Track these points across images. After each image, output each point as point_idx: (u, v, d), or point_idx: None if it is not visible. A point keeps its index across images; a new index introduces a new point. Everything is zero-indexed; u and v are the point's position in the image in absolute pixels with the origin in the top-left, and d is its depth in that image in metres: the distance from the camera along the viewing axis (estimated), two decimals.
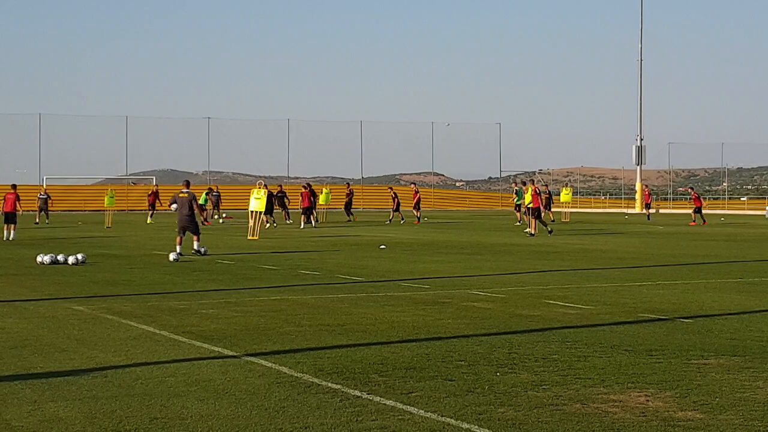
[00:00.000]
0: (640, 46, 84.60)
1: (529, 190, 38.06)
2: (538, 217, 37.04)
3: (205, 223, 34.58)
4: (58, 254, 22.21)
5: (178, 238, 24.48)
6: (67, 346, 10.42)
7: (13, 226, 33.06)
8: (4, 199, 34.03)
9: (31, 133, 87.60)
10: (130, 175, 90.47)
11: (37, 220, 49.00)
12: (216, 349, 10.24)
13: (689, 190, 54.87)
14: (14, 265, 21.76)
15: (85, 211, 64.84)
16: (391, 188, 58.16)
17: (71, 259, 21.69)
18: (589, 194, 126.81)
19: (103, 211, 48.23)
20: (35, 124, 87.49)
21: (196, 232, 24.84)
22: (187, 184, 25.86)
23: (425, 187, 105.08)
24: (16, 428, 6.92)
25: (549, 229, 37.00)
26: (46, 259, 21.84)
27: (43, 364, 9.36)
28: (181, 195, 25.05)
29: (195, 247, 24.64)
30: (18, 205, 33.44)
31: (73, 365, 9.31)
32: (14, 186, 34.91)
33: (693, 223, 49.27)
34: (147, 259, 23.31)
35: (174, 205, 25.08)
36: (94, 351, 10.13)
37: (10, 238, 32.27)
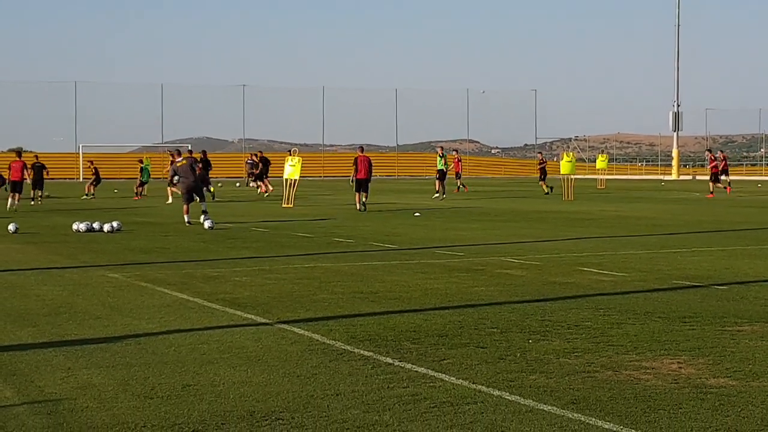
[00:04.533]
0: (677, 10, 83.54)
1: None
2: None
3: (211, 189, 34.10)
4: (93, 222, 22.36)
5: (185, 207, 24.45)
6: (101, 313, 10.50)
7: (18, 195, 31.96)
8: (10, 167, 32.81)
9: (67, 101, 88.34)
10: (165, 142, 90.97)
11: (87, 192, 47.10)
12: (249, 316, 10.28)
13: (707, 154, 47.21)
14: (50, 232, 21.94)
15: (121, 179, 65.27)
16: (456, 151, 53.26)
17: (106, 227, 21.84)
18: (626, 161, 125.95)
19: (135, 179, 48.44)
20: (71, 92, 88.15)
21: (203, 198, 24.56)
22: (178, 153, 25.94)
23: (461, 154, 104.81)
24: (50, 395, 6.98)
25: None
26: (82, 226, 22.00)
27: (77, 331, 9.45)
28: (179, 164, 24.87)
29: (203, 207, 23.98)
30: (25, 173, 32.83)
31: (107, 332, 9.39)
32: (19, 153, 34.32)
33: (711, 195, 42.35)
34: (181, 227, 23.41)
35: (176, 177, 24.82)
36: (127, 318, 10.20)
37: (14, 209, 30.89)
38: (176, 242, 19.44)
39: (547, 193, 44.69)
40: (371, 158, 32.43)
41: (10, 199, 31.95)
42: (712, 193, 42.86)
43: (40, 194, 36.91)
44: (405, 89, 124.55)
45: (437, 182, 40.22)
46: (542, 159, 48.58)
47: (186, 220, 24.09)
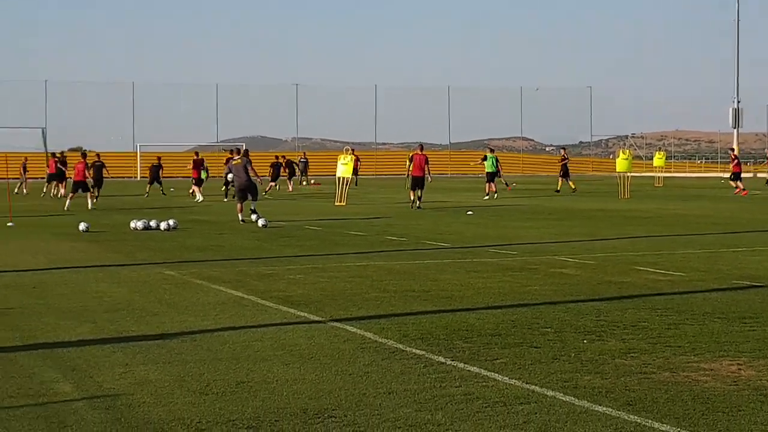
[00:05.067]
0: (737, 4, 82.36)
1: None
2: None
3: (262, 185, 33.99)
4: (150, 220, 22.60)
5: (238, 206, 24.62)
6: (158, 310, 10.61)
7: (88, 194, 32.53)
8: (74, 168, 33.70)
9: (126, 101, 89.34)
10: (220, 141, 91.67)
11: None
12: (302, 314, 10.33)
13: (729, 151, 46.52)
14: (109, 230, 22.21)
15: (177, 177, 65.86)
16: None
17: (163, 225, 22.06)
18: (684, 158, 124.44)
19: (187, 178, 48.90)
20: (128, 92, 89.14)
21: (255, 197, 24.59)
22: (238, 152, 26.01)
23: (514, 152, 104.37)
24: (108, 390, 7.07)
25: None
26: (139, 224, 22.25)
27: (135, 328, 9.56)
28: (234, 162, 25.03)
29: (252, 207, 24.15)
30: (87, 173, 33.38)
31: (164, 329, 9.48)
32: (84, 155, 34.99)
33: (740, 191, 42.28)
34: (236, 225, 23.58)
35: (230, 175, 25.06)
36: (183, 315, 10.30)
37: (89, 207, 31.45)
38: (231, 240, 19.58)
39: (558, 191, 43.92)
40: (426, 156, 32.40)
41: (69, 200, 32.42)
42: (737, 188, 42.97)
43: (96, 193, 37.45)
44: (458, 87, 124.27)
45: (486, 184, 39.64)
46: (564, 156, 47.35)
47: (240, 218, 24.27)
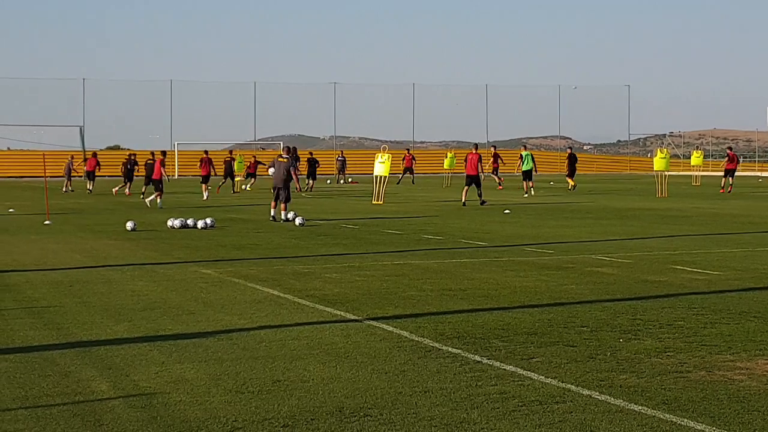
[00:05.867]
0: None
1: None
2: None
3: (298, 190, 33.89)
4: (187, 218, 22.74)
5: (272, 202, 24.78)
6: (194, 309, 10.68)
7: (158, 193, 32.61)
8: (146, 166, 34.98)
9: (163, 99, 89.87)
10: (258, 140, 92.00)
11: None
12: (338, 312, 10.36)
13: (728, 150, 47.46)
14: (146, 228, 22.36)
15: (215, 175, 66.16)
16: (494, 147, 52.75)
17: (200, 224, 22.18)
18: (722, 157, 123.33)
19: (234, 176, 49.07)
20: (167, 90, 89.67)
21: (287, 199, 24.60)
22: (288, 150, 25.96)
23: (552, 150, 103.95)
24: (144, 388, 7.13)
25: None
26: (176, 223, 22.38)
27: (171, 326, 9.63)
28: (280, 159, 25.10)
29: (282, 215, 24.25)
30: (164, 171, 33.77)
31: (200, 327, 9.55)
32: (164, 152, 35.29)
33: (725, 189, 42.85)
34: (273, 223, 23.67)
35: (271, 169, 25.11)
36: (220, 314, 10.37)
37: (158, 206, 31.71)
38: (267, 239, 19.66)
39: (571, 189, 43.80)
40: (479, 155, 33.24)
41: (150, 198, 32.78)
42: (728, 186, 43.33)
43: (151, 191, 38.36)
44: (496, 85, 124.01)
45: (524, 182, 40.29)
46: (571, 153, 47.18)
47: (271, 215, 24.43)
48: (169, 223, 22.59)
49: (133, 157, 43.86)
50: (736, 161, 46.03)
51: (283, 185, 24.52)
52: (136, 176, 43.10)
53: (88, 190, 45.60)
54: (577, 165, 46.53)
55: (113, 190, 43.34)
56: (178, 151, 79.63)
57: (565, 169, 46.46)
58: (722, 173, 45.49)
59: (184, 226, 22.28)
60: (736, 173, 46.72)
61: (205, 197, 37.82)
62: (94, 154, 49.48)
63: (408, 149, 58.60)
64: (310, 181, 46.49)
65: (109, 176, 62.15)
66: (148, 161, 37.56)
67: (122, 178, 43.61)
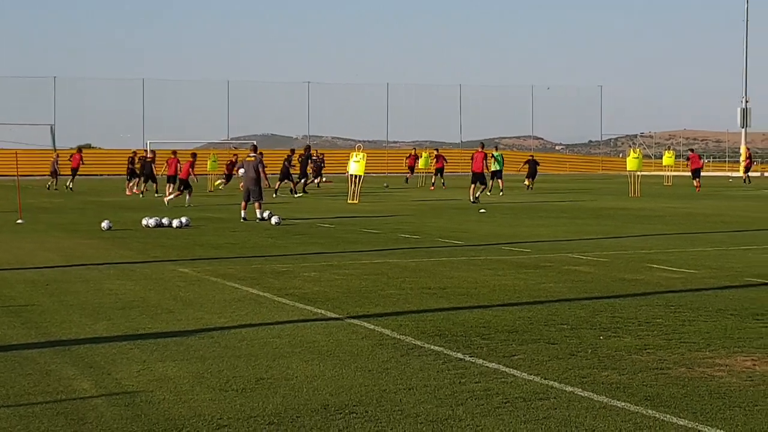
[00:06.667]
0: (746, 4, 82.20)
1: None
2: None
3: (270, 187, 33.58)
4: (162, 217, 22.65)
5: (243, 203, 24.71)
6: (173, 308, 10.65)
7: (188, 191, 32.87)
8: (168, 164, 36.06)
9: (135, 98, 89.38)
10: (231, 139, 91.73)
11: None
12: (319, 311, 10.37)
13: (689, 152, 50.55)
14: (121, 228, 22.24)
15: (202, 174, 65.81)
16: (437, 150, 53.74)
17: (175, 222, 22.10)
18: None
19: (206, 175, 48.97)
20: (139, 88, 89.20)
21: (259, 199, 24.53)
22: (254, 149, 25.83)
23: (524, 150, 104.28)
24: (127, 387, 7.11)
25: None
26: (151, 222, 22.29)
27: (151, 325, 9.60)
28: (248, 159, 25.03)
29: (257, 214, 24.20)
30: (191, 171, 33.63)
31: (180, 326, 9.53)
32: (194, 155, 35.47)
33: (698, 189, 44.71)
34: (249, 222, 23.62)
35: (241, 170, 25.07)
36: (199, 312, 10.34)
37: (185, 203, 32.03)
38: (244, 238, 19.62)
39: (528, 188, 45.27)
40: (485, 153, 34.77)
41: (170, 197, 33.01)
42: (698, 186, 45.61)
43: (145, 188, 40.03)
44: (469, 86, 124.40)
45: (491, 182, 40.36)
46: (532, 158, 48.72)
47: (242, 216, 24.37)
48: (144, 222, 22.50)
49: (134, 156, 44.06)
50: (699, 161, 48.10)
51: (253, 184, 24.48)
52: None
53: (69, 187, 45.59)
54: (537, 168, 48.55)
55: (134, 190, 42.88)
56: (150, 150, 79.14)
57: (525, 169, 47.56)
58: (690, 175, 47.50)
59: (159, 225, 22.19)
60: (703, 173, 48.46)
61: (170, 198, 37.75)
62: (79, 150, 49.63)
63: (414, 149, 58.07)
64: (316, 179, 45.95)
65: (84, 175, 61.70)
66: (146, 159, 38.36)
67: (128, 177, 43.79)
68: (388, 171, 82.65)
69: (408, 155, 56.56)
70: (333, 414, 6.33)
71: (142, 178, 40.86)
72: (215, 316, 10.08)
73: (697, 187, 45.53)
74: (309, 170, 43.31)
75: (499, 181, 41.02)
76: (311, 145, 53.14)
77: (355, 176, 34.75)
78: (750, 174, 58.42)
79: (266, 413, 6.37)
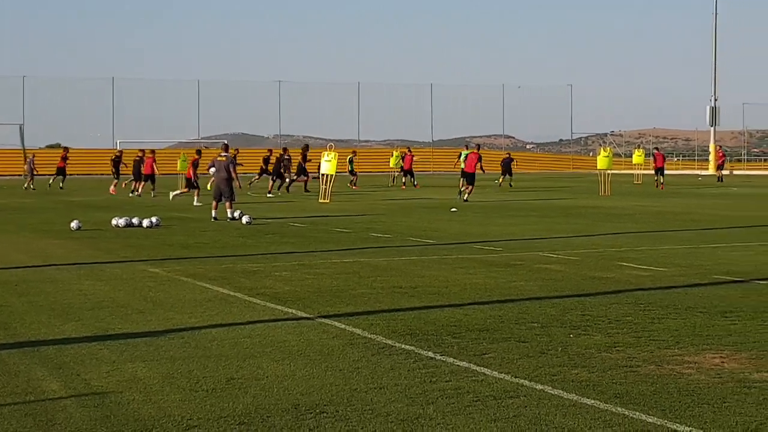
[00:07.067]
0: (714, 5, 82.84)
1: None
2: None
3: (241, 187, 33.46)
4: (132, 217, 22.52)
5: (214, 202, 24.62)
6: (143, 308, 10.60)
7: (143, 184, 37.08)
8: (145, 163, 38.88)
9: (105, 97, 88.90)
10: (202, 138, 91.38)
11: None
12: (290, 310, 10.34)
13: (653, 151, 52.23)
14: (90, 228, 22.10)
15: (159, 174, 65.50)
16: (408, 149, 54.40)
17: (145, 222, 21.99)
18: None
19: (176, 174, 48.75)
20: (108, 87, 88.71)
21: (230, 198, 24.42)
22: (226, 148, 25.73)
23: (496, 149, 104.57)
24: (96, 388, 7.06)
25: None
26: (121, 222, 22.16)
27: (120, 325, 9.54)
28: (219, 158, 24.95)
29: (228, 214, 24.11)
30: (154, 167, 36.28)
31: (150, 326, 9.48)
32: (152, 151, 38.46)
33: (662, 187, 46.02)
34: (220, 222, 23.54)
35: (212, 169, 24.98)
36: (170, 312, 10.30)
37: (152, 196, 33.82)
38: (215, 237, 19.56)
39: (500, 184, 46.37)
40: (479, 155, 34.95)
41: (175, 192, 35.52)
42: (662, 183, 46.88)
43: (138, 186, 40.33)
44: (440, 84, 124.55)
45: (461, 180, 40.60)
46: (507, 154, 49.93)
47: (213, 215, 24.28)
48: (114, 221, 22.36)
49: (141, 155, 43.79)
50: (662, 159, 49.19)
51: (224, 184, 24.40)
52: (123, 174, 43.56)
53: (60, 187, 46.54)
54: (512, 165, 49.96)
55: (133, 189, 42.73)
56: (120, 149, 78.67)
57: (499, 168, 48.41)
58: (654, 172, 48.53)
59: (129, 224, 22.07)
60: (673, 171, 49.71)
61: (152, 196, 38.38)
62: (66, 150, 50.53)
63: (409, 148, 57.70)
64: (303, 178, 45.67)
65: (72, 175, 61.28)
66: (135, 159, 40.02)
67: (115, 176, 43.89)
68: (360, 170, 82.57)
69: (402, 156, 55.64)
70: (304, 413, 6.32)
71: (133, 178, 41.33)
72: (185, 316, 10.03)
73: (660, 185, 46.30)
74: (283, 171, 43.10)
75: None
76: (283, 143, 52.93)
77: (327, 175, 34.71)
78: (722, 172, 59.56)
79: (236, 413, 6.35)
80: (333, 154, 35.20)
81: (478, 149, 35.74)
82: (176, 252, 16.65)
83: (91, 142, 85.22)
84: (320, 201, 33.80)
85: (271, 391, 6.89)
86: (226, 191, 24.38)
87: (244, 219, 23.14)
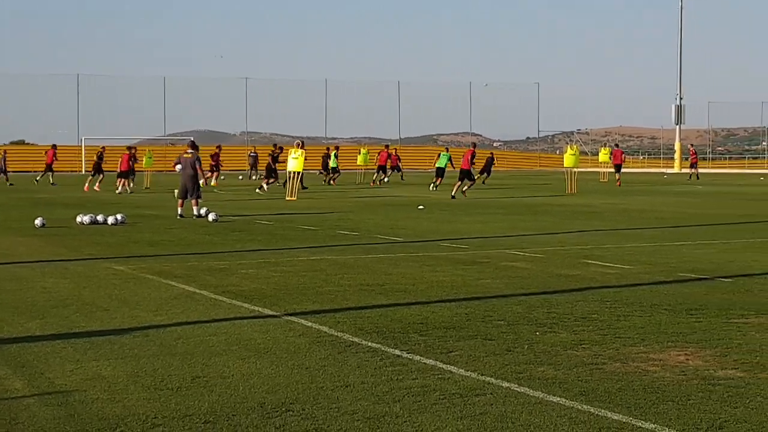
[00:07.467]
0: (680, 4, 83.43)
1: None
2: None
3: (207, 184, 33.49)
4: (97, 214, 22.35)
5: (179, 200, 24.48)
6: (108, 306, 10.52)
7: (124, 181, 38.99)
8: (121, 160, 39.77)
9: (70, 94, 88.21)
10: (168, 135, 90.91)
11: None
12: (256, 308, 10.30)
13: (613, 148, 53.33)
14: (54, 225, 21.92)
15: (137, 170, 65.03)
16: (387, 146, 54.42)
17: (110, 219, 21.83)
18: (628, 154, 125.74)
19: (142, 171, 48.43)
20: (73, 84, 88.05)
21: (196, 195, 24.31)
22: (192, 145, 25.65)
23: (463, 147, 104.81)
24: (60, 386, 7.00)
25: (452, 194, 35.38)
26: (86, 219, 21.99)
27: (85, 323, 9.47)
28: (185, 155, 24.84)
29: (195, 211, 23.99)
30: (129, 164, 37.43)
31: (115, 324, 9.41)
32: (129, 148, 39.60)
33: (619, 183, 47.51)
34: (186, 219, 23.42)
35: (178, 166, 24.85)
36: (135, 310, 10.22)
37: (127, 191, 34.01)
38: (180, 235, 19.45)
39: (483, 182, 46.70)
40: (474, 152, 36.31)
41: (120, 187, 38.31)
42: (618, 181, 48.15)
43: (130, 183, 40.71)
44: (407, 82, 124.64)
45: (437, 179, 42.24)
46: (490, 155, 51.44)
47: (178, 213, 24.15)
48: (79, 219, 22.19)
49: (134, 151, 43.54)
50: (620, 157, 50.82)
51: (191, 181, 24.27)
52: (107, 171, 43.42)
53: (51, 183, 47.75)
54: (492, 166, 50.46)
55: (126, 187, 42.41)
56: (85, 146, 78.22)
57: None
58: (613, 169, 50.13)
59: (94, 222, 21.90)
60: (639, 170, 50.81)
61: (120, 191, 38.93)
62: (54, 146, 50.96)
63: (387, 146, 57.40)
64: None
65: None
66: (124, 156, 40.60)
67: (93, 172, 43.72)
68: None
69: (378, 152, 55.17)
70: (269, 412, 6.29)
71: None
72: (151, 314, 9.97)
73: (617, 182, 47.69)
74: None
75: (439, 179, 42.03)
76: (250, 141, 52.95)
77: (293, 173, 34.63)
78: (694, 170, 59.89)
79: (202, 412, 6.31)
80: (300, 151, 35.10)
81: (474, 147, 36.91)
82: (142, 249, 16.55)
83: (55, 139, 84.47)
84: (287, 198, 33.70)
85: (237, 390, 6.86)
86: (192, 188, 24.26)
87: (211, 216, 23.03)
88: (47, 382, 7.15)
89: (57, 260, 14.84)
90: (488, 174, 48.94)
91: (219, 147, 48.90)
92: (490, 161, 48.94)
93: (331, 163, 49.14)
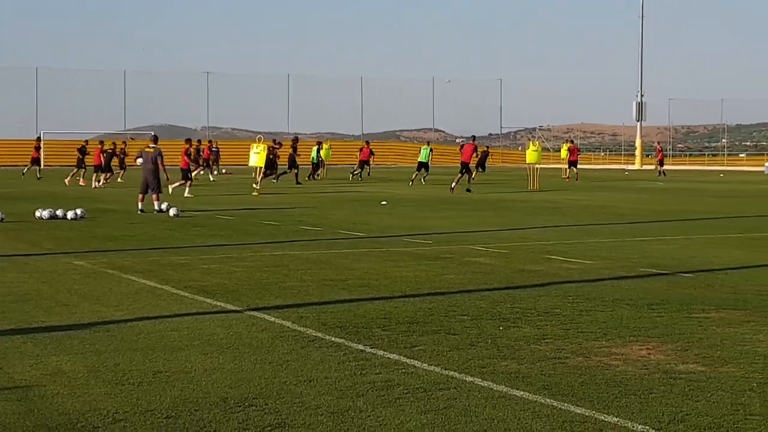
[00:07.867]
0: (641, 3, 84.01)
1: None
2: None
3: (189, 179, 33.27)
4: (56, 209, 22.14)
5: (140, 195, 24.30)
6: (68, 301, 10.41)
7: (102, 175, 40.19)
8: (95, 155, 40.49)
9: (28, 87, 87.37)
10: (128, 130, 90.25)
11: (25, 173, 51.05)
12: (218, 303, 10.24)
13: (570, 144, 53.86)
14: (13, 219, 21.68)
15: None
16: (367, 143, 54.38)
17: (70, 214, 21.64)
18: (589, 151, 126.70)
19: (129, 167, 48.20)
20: (32, 77, 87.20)
21: (157, 190, 24.17)
22: (155, 140, 25.47)
23: (423, 143, 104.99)
24: (20, 381, 6.91)
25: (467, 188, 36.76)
26: (45, 213, 21.79)
27: (44, 318, 9.36)
28: (147, 150, 24.67)
29: (156, 206, 23.85)
30: (189, 160, 35.65)
31: (75, 319, 9.31)
32: (188, 141, 38.01)
33: (569, 179, 48.86)
34: (147, 214, 23.26)
35: (140, 160, 24.69)
36: (95, 305, 10.13)
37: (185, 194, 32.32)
38: (142, 230, 19.31)
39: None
40: (475, 145, 37.33)
41: (94, 182, 39.20)
42: (568, 177, 50.15)
43: (106, 177, 41.15)
44: (370, 78, 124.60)
45: (416, 172, 44.71)
46: (486, 148, 51.68)
47: (139, 208, 23.98)
48: (38, 213, 21.98)
49: (115, 148, 44.27)
50: (576, 153, 52.56)
51: (152, 176, 24.11)
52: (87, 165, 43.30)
53: (38, 176, 48.94)
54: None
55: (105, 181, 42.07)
56: (44, 140, 77.42)
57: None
58: (567, 165, 51.60)
59: (53, 216, 21.70)
60: (600, 166, 51.96)
61: (95, 186, 39.51)
62: (38, 139, 53.97)
63: (368, 142, 56.96)
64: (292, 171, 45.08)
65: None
66: (108, 151, 41.46)
67: (76, 166, 43.95)
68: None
69: (360, 148, 54.65)
70: (232, 407, 6.25)
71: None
72: (111, 309, 9.88)
73: (571, 177, 49.36)
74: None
75: (419, 172, 44.53)
76: (212, 135, 52.96)
77: (257, 168, 34.50)
78: (661, 167, 60.19)
79: (164, 407, 6.26)
80: (262, 146, 34.98)
81: (474, 140, 37.69)
82: (102, 244, 16.41)
83: (13, 133, 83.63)
84: (253, 194, 33.55)
85: (199, 385, 6.81)
86: (153, 183, 24.09)
87: (172, 211, 22.88)
88: (6, 377, 7.06)
89: (16, 255, 14.68)
90: (483, 169, 48.94)
91: (211, 142, 50.61)
92: (485, 156, 49.08)
93: (312, 157, 49.58)
